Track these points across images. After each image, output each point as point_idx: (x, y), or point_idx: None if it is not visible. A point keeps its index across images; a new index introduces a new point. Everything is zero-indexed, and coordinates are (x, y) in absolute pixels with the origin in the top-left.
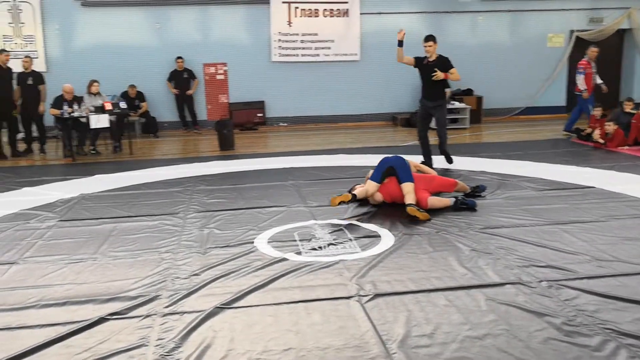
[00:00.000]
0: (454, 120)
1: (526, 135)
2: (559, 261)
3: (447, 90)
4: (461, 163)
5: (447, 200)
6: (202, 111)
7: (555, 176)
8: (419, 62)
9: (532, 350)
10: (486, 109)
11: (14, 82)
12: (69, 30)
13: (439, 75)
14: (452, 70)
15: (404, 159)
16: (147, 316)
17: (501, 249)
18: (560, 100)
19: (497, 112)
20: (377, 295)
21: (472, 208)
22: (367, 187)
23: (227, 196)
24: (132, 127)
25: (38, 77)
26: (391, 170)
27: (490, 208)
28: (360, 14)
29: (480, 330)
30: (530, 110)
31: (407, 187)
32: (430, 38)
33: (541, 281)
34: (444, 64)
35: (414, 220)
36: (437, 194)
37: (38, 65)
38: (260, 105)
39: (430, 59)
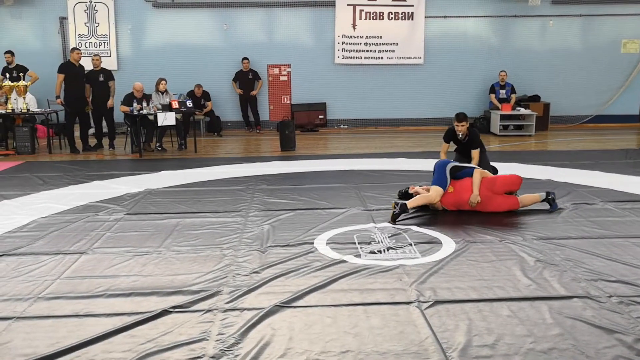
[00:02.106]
0: (519, 127)
1: (596, 144)
2: (631, 276)
3: (513, 96)
4: (526, 171)
5: (536, 196)
6: (265, 112)
7: (628, 188)
8: (452, 137)
9: None
10: (553, 116)
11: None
12: (140, 30)
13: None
14: (474, 154)
15: (445, 165)
16: (209, 311)
17: (568, 261)
18: (633, 109)
19: (564, 119)
20: (437, 302)
21: (553, 209)
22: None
23: (288, 196)
24: (197, 126)
25: (108, 74)
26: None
27: (557, 218)
28: (425, 17)
29: (545, 344)
30: (600, 118)
31: (432, 188)
32: (463, 118)
33: (611, 296)
34: (473, 141)
35: (477, 228)
36: (508, 193)
37: (110, 64)
38: (321, 107)
39: (463, 137)
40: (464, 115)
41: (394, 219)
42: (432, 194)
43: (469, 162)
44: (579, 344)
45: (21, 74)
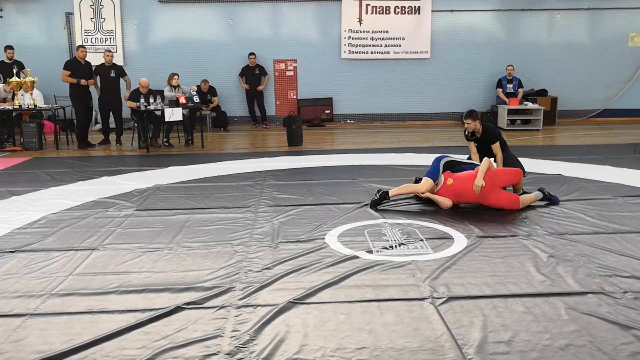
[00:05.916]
0: (526, 122)
1: (604, 138)
2: None
3: (520, 90)
4: (535, 166)
5: (532, 196)
6: (271, 107)
7: (638, 182)
8: (471, 138)
9: None
10: (561, 111)
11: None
12: (146, 26)
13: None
14: (494, 149)
15: (440, 159)
16: (222, 307)
17: (581, 257)
18: None
19: (572, 113)
20: (451, 298)
21: (555, 202)
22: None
23: (297, 191)
24: (203, 121)
25: (120, 70)
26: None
27: (569, 214)
28: (432, 11)
29: (562, 340)
30: (608, 112)
31: (423, 179)
32: (468, 116)
33: (626, 292)
34: (489, 136)
35: (489, 223)
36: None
37: (116, 60)
38: (328, 102)
39: (478, 134)
40: (469, 113)
41: (373, 205)
42: (421, 184)
43: (489, 157)
44: (596, 341)
45: (14, 70)
